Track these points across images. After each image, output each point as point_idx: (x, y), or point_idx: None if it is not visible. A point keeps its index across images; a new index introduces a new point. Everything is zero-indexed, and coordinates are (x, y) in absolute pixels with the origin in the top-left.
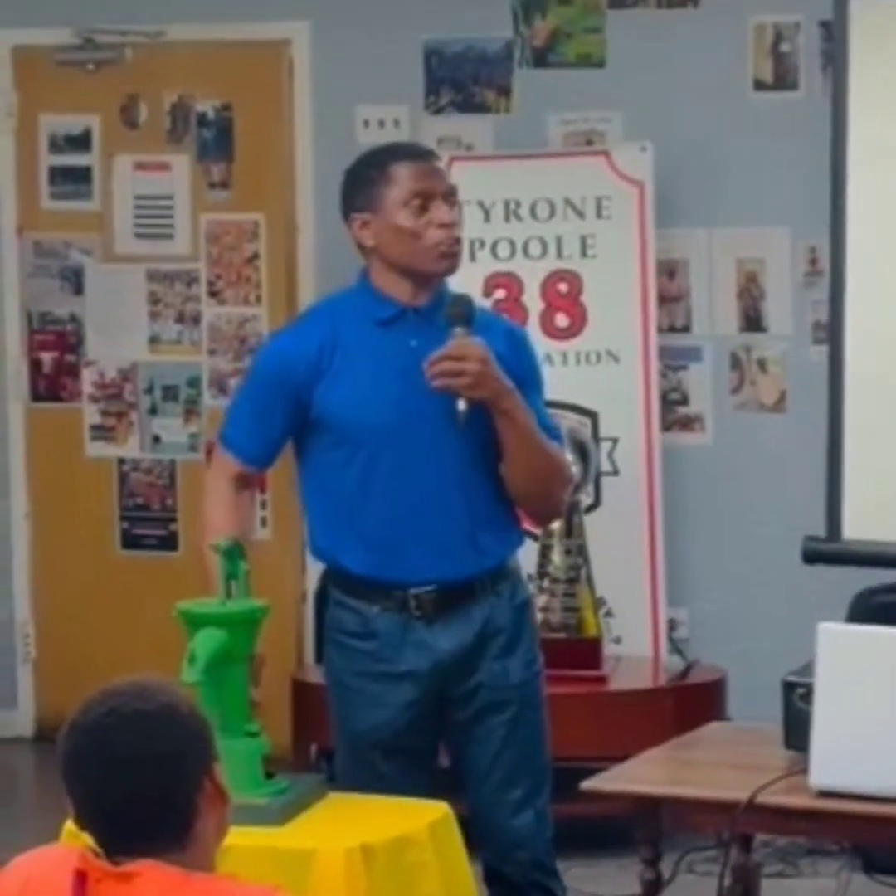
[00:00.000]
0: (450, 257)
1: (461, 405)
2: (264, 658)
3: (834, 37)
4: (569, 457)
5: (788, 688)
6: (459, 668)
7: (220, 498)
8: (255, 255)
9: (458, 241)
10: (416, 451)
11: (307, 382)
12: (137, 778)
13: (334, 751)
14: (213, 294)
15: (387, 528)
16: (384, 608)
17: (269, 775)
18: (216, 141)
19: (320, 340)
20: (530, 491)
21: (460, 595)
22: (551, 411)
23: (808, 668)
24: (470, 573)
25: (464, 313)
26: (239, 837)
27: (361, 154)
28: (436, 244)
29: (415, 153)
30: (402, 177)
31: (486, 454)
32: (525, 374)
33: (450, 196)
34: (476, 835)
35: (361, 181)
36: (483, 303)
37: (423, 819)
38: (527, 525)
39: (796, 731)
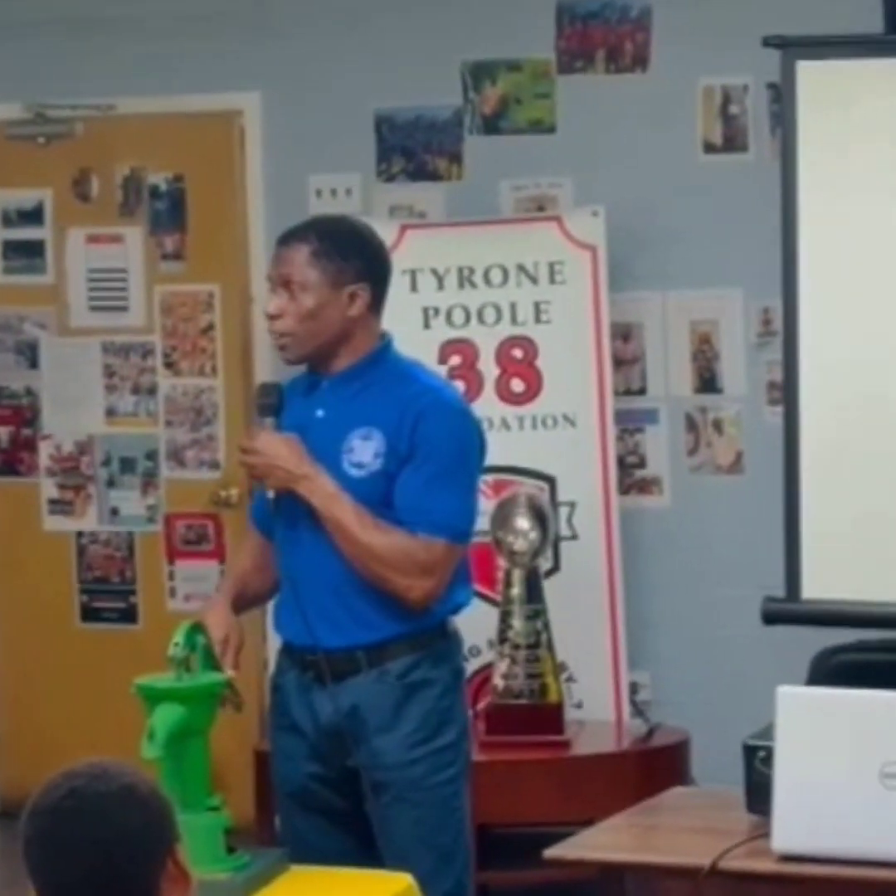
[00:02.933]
0: (278, 346)
1: (269, 493)
2: (243, 641)
3: (782, 99)
4: (526, 524)
5: (749, 751)
6: (338, 739)
7: (244, 547)
8: (211, 326)
9: (276, 331)
10: (306, 520)
11: None
12: (98, 860)
13: None
14: (168, 365)
15: (289, 596)
16: (292, 665)
17: (231, 850)
18: (169, 212)
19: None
20: (359, 574)
21: (343, 665)
22: (509, 478)
23: (768, 731)
24: (352, 644)
25: (268, 404)
26: None
27: None
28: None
29: (284, 234)
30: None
31: None
32: (413, 449)
33: (284, 285)
34: None
35: None
36: (439, 370)
37: (385, 892)
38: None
39: (758, 794)
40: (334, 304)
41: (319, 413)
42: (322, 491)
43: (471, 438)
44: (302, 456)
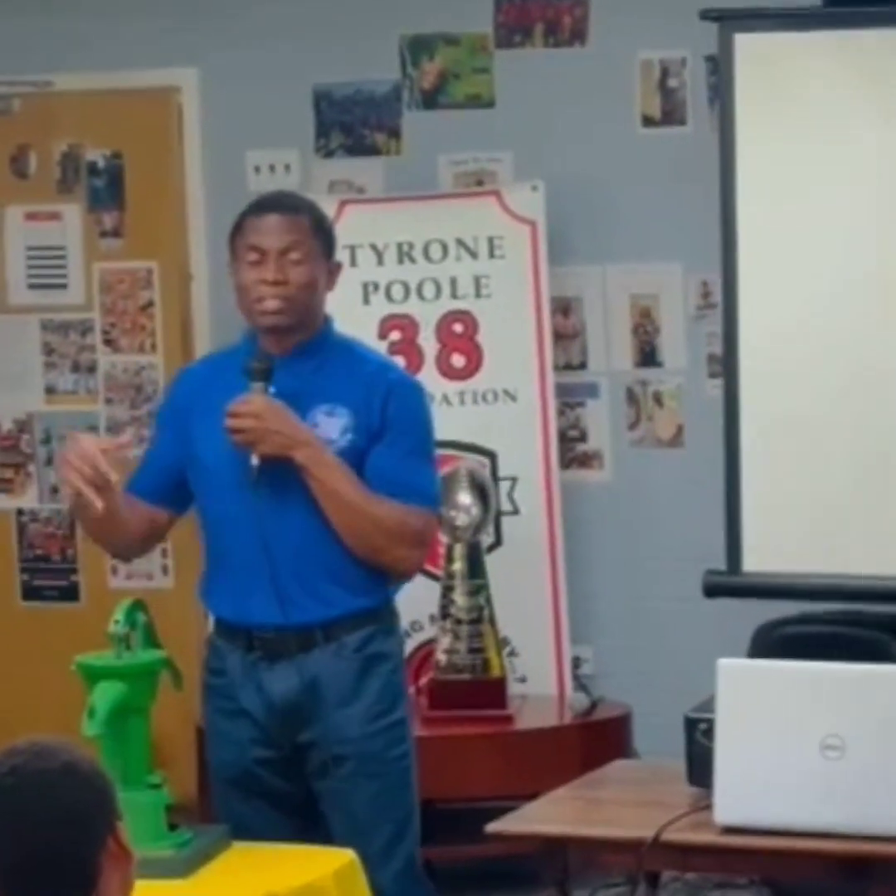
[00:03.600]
0: (272, 315)
1: (253, 460)
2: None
3: (719, 72)
4: (467, 499)
5: (690, 724)
6: (293, 716)
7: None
8: (150, 303)
9: (280, 297)
10: (245, 503)
11: (183, 426)
12: (39, 838)
13: None
14: (108, 343)
15: (231, 573)
16: (235, 647)
17: (173, 827)
18: (107, 189)
19: (197, 383)
20: (354, 548)
21: (297, 640)
22: (451, 453)
23: (709, 704)
24: (308, 620)
25: (263, 369)
26: (143, 891)
27: None
28: (259, 299)
29: (266, 205)
30: (246, 229)
31: (312, 506)
32: (385, 425)
33: (287, 253)
34: None
35: (231, 232)
36: (379, 346)
37: (328, 867)
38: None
39: (699, 767)
40: (322, 278)
41: (272, 390)
42: (322, 459)
43: (431, 413)
44: (299, 423)
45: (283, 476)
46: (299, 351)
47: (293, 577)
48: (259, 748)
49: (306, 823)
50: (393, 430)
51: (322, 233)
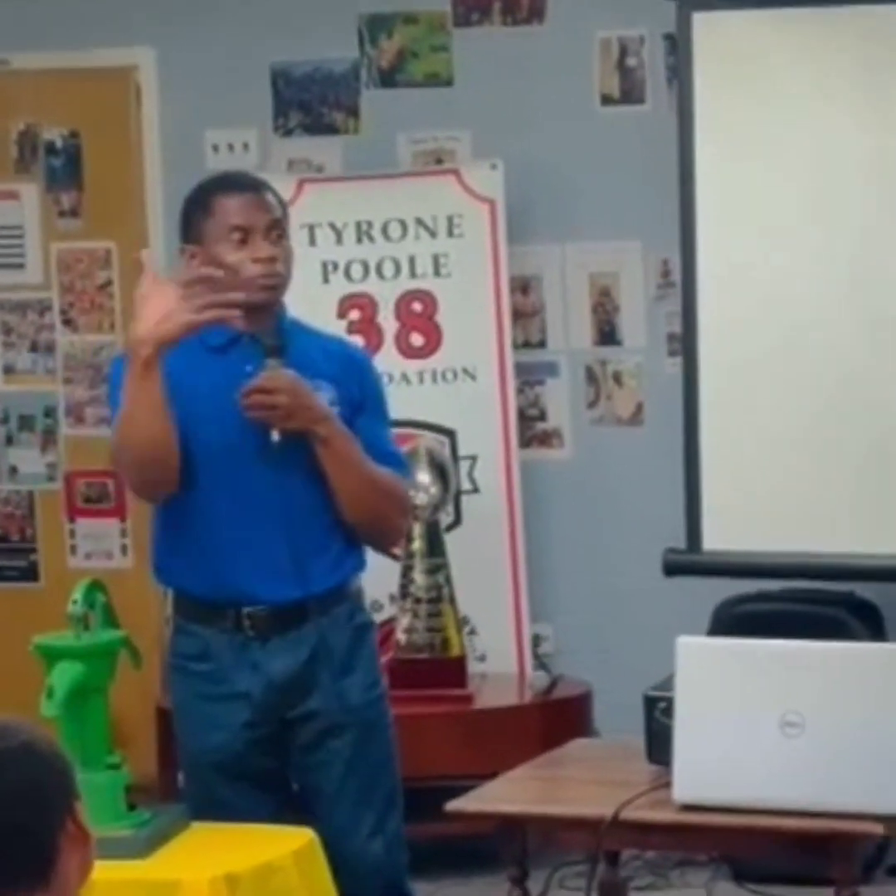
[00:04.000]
0: (269, 289)
1: (275, 436)
2: None
3: (678, 50)
4: (426, 478)
5: (649, 702)
6: (294, 690)
7: None
8: (108, 283)
9: (278, 273)
10: (245, 476)
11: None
12: None
13: (183, 788)
14: (66, 322)
15: (216, 552)
16: (220, 629)
17: (132, 807)
18: (65, 169)
19: (168, 365)
20: (359, 517)
21: (292, 615)
22: (410, 432)
23: (669, 682)
24: (298, 596)
25: (277, 344)
26: (102, 871)
27: (195, 185)
28: (253, 278)
29: (238, 185)
30: (223, 210)
31: (313, 477)
32: (363, 399)
33: (272, 230)
34: (329, 861)
35: (189, 213)
36: (338, 325)
37: (288, 846)
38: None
39: (659, 745)
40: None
41: (248, 368)
42: (342, 431)
43: None
44: (316, 396)
45: (287, 451)
46: (268, 328)
47: (287, 553)
48: (251, 730)
49: (284, 800)
50: (371, 403)
51: (286, 208)
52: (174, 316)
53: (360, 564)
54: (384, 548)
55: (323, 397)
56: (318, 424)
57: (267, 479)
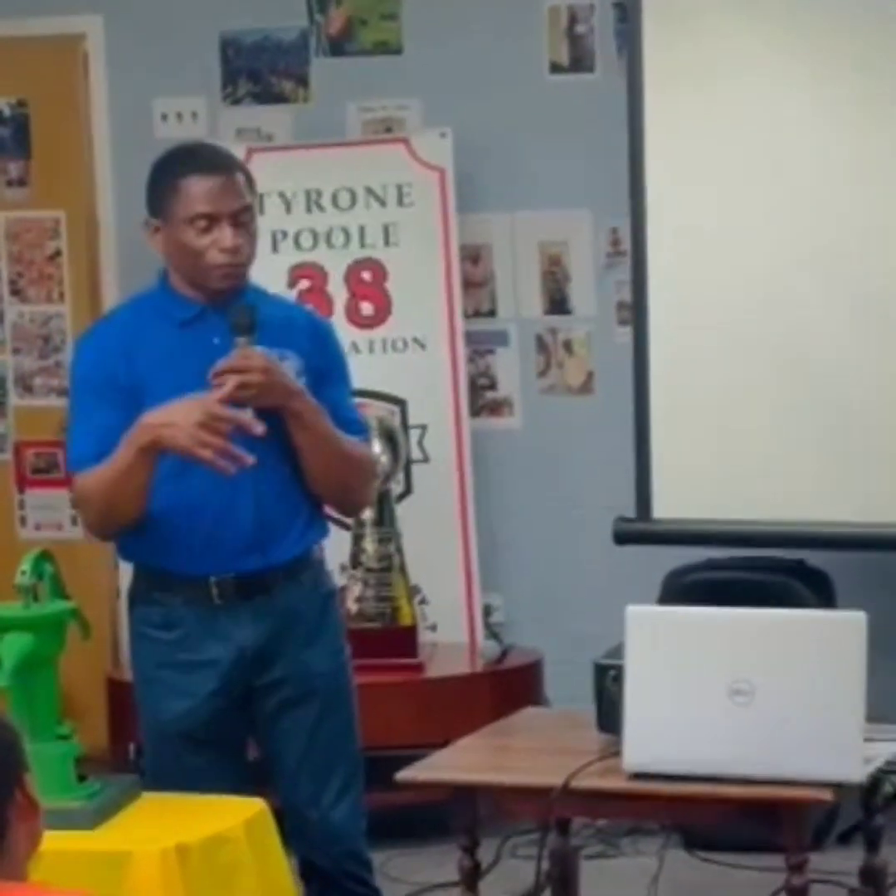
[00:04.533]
0: (231, 278)
1: (248, 414)
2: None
3: (628, 18)
4: (377, 447)
5: (600, 671)
6: (262, 658)
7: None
8: (57, 253)
9: (240, 264)
10: (263, 442)
11: (126, 380)
12: None
13: (145, 757)
14: (15, 292)
15: (182, 523)
16: (187, 599)
17: (82, 778)
18: (13, 138)
19: (124, 341)
20: (329, 487)
21: (259, 583)
22: (360, 401)
23: (619, 651)
24: (264, 565)
25: (246, 323)
26: (52, 842)
27: (164, 154)
28: (217, 266)
29: (209, 166)
30: (190, 194)
31: (282, 450)
32: (327, 367)
33: (239, 216)
34: (290, 828)
35: (155, 188)
36: (288, 294)
37: (239, 816)
38: (335, 515)
39: (609, 713)
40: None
41: (215, 340)
42: (313, 406)
43: None
44: (288, 370)
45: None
46: (234, 300)
47: (254, 525)
48: (218, 698)
49: (244, 770)
50: (334, 371)
51: (253, 185)
52: (181, 433)
53: (324, 532)
54: (353, 515)
55: (290, 368)
56: (291, 400)
57: (240, 450)
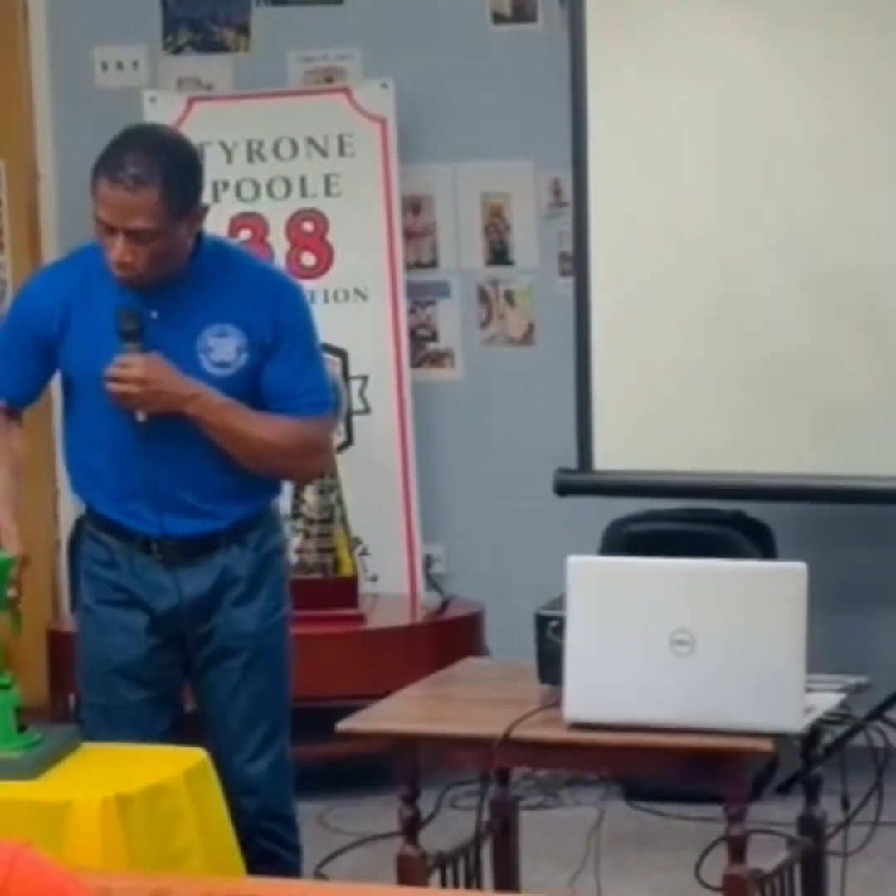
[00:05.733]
0: (125, 283)
1: (140, 417)
2: (27, 560)
3: None
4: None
5: (541, 621)
6: (196, 613)
7: None
8: None
9: (127, 275)
10: (153, 437)
11: (55, 332)
12: None
13: (80, 691)
14: None
15: (120, 485)
16: (128, 547)
17: (22, 728)
18: None
19: (68, 292)
20: (257, 470)
21: (201, 547)
22: None
23: (560, 602)
24: (205, 530)
25: (132, 329)
26: None
27: (117, 134)
28: (112, 265)
29: (120, 176)
30: (98, 195)
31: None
32: (277, 338)
33: (137, 234)
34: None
35: (94, 168)
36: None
37: (179, 767)
38: None
39: (550, 664)
40: (180, 235)
41: (153, 314)
42: (213, 405)
43: (311, 312)
44: (179, 376)
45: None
46: (174, 277)
47: (195, 495)
48: (153, 638)
49: (179, 720)
50: (284, 342)
51: (177, 197)
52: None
53: (274, 490)
54: (301, 484)
55: (229, 344)
56: (181, 406)
57: (165, 429)
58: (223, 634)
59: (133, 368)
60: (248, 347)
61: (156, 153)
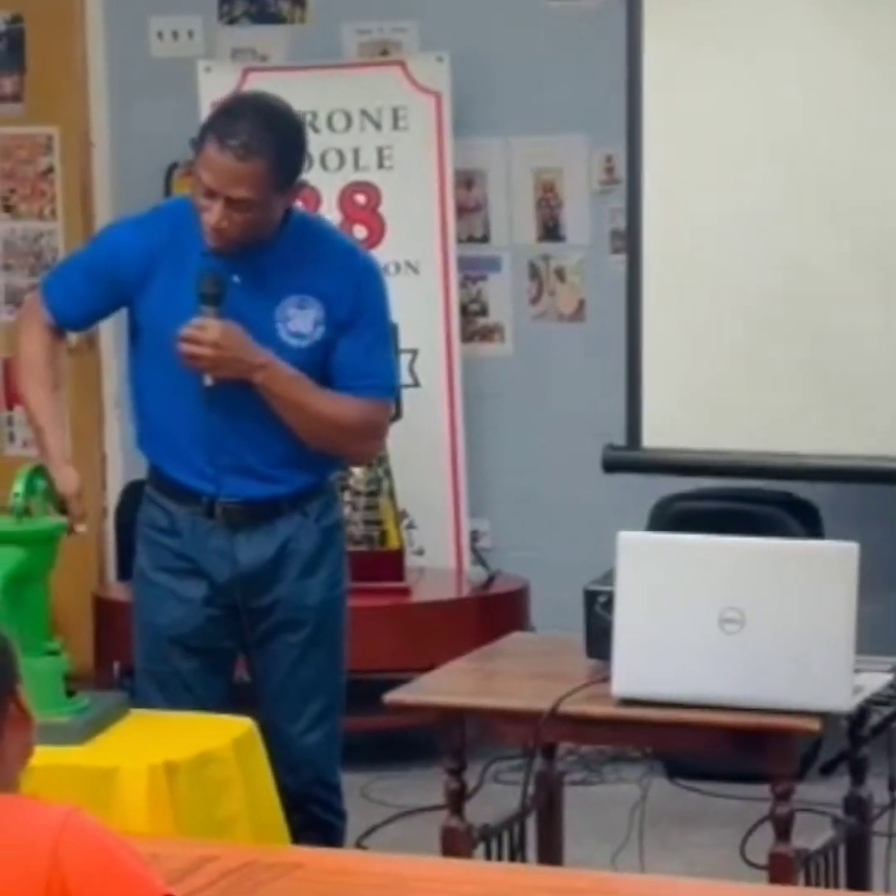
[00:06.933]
0: (215, 245)
1: (207, 381)
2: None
3: None
4: None
5: (590, 597)
6: (257, 582)
7: (39, 339)
8: (50, 170)
9: (219, 240)
10: (241, 400)
11: (133, 279)
12: None
13: (135, 656)
14: (7, 209)
15: (188, 446)
16: (192, 511)
17: (70, 694)
18: (7, 53)
19: (156, 245)
20: (316, 447)
21: (265, 510)
22: None
23: (608, 577)
24: (271, 495)
25: (213, 293)
26: (40, 757)
27: (225, 100)
28: (205, 227)
29: (231, 142)
30: (203, 159)
31: None
32: (353, 316)
33: (236, 202)
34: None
35: (201, 129)
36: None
37: (227, 735)
38: None
39: (598, 639)
40: (277, 207)
41: (236, 279)
42: (281, 377)
43: (388, 295)
44: (252, 344)
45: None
46: (261, 245)
47: (261, 458)
48: (211, 608)
49: (231, 688)
50: (361, 321)
51: (282, 171)
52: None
53: (335, 464)
54: (354, 465)
55: (308, 316)
56: (251, 374)
57: (231, 394)
58: (285, 607)
59: (208, 332)
60: (326, 321)
61: (268, 125)
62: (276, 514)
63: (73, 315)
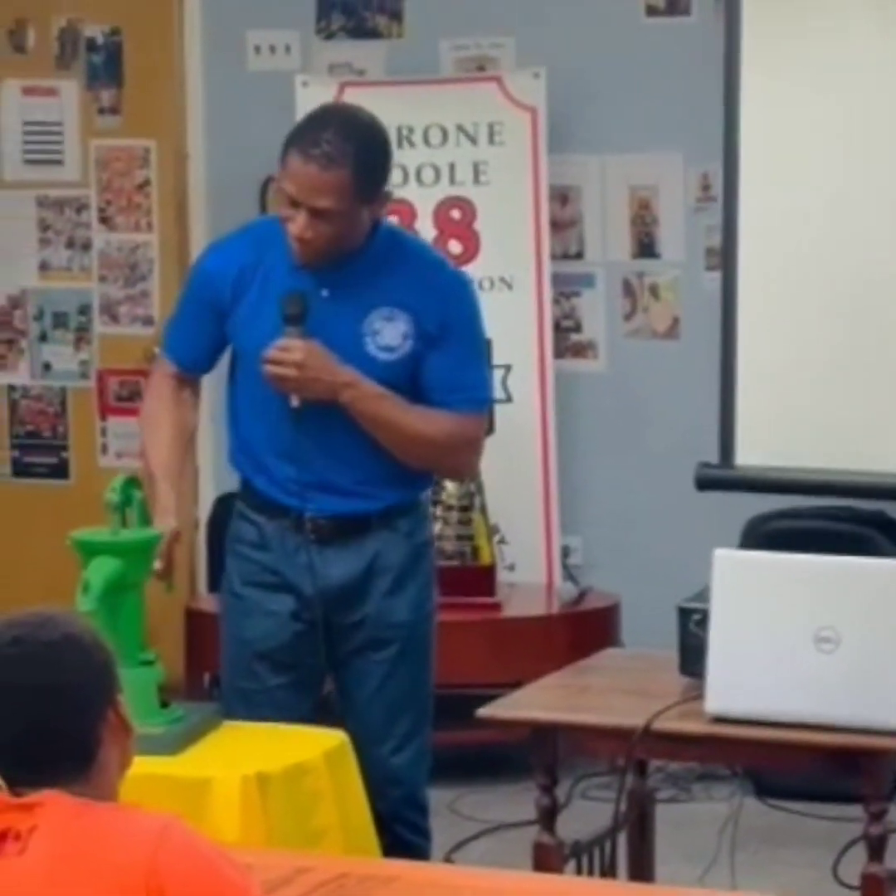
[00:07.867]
0: (299, 258)
1: (294, 402)
2: (179, 534)
3: None
4: None
5: (684, 614)
6: (345, 598)
7: (159, 393)
8: (146, 182)
9: (303, 251)
10: (330, 419)
11: (228, 301)
12: (40, 708)
13: (221, 673)
14: (103, 220)
15: (276, 463)
16: (281, 525)
17: (165, 704)
18: (105, 66)
19: (243, 264)
20: (407, 462)
21: (354, 526)
22: None
23: (702, 595)
24: (359, 510)
25: (296, 313)
26: (135, 766)
27: (311, 111)
28: (290, 238)
29: (312, 150)
30: (286, 168)
31: None
32: (444, 330)
33: (319, 212)
34: None
35: (286, 140)
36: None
37: (319, 747)
38: None
39: (691, 657)
40: (362, 219)
41: (324, 293)
42: (367, 395)
43: (480, 308)
44: (336, 363)
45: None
46: (348, 258)
47: (342, 479)
48: (298, 623)
49: (318, 702)
50: (451, 334)
51: (366, 182)
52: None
53: (428, 481)
54: (450, 480)
55: (396, 329)
56: (336, 394)
57: (318, 414)
58: (374, 624)
59: (292, 352)
60: (414, 335)
61: (352, 136)
62: (366, 530)
63: (192, 356)
